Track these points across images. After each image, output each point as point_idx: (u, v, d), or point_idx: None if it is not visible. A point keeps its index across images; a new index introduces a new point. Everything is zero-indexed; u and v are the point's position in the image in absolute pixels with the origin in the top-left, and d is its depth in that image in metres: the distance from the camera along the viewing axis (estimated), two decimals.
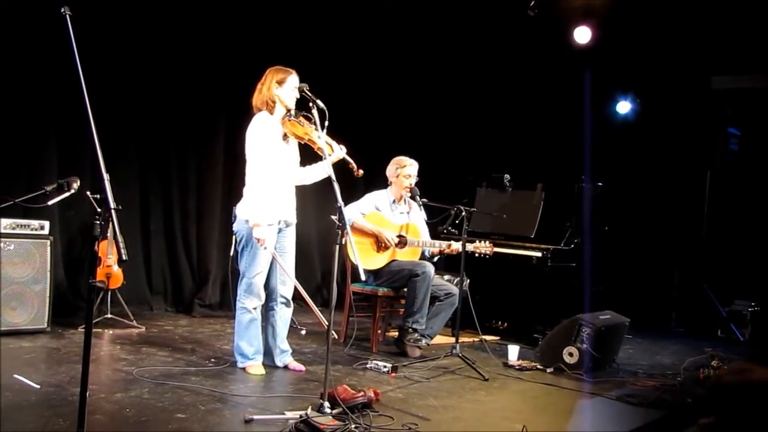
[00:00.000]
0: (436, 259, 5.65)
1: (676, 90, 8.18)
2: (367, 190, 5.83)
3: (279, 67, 4.38)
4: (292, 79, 4.34)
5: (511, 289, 6.55)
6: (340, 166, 4.38)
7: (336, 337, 4.12)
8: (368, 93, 7.81)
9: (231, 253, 4.52)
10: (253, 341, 4.38)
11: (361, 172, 4.49)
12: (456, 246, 5.47)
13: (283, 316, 4.55)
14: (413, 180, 5.59)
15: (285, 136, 4.39)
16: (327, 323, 3.65)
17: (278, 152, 4.35)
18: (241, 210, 4.34)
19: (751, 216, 7.97)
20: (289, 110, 4.36)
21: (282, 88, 4.32)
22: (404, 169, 5.60)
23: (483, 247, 5.46)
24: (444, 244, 5.50)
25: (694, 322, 8.07)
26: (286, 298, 4.52)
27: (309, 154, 4.51)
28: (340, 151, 4.40)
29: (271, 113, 4.34)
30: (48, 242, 5.06)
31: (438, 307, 5.42)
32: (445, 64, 8.26)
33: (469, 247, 5.25)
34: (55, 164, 5.68)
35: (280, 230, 4.43)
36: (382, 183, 5.78)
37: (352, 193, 6.05)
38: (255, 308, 4.37)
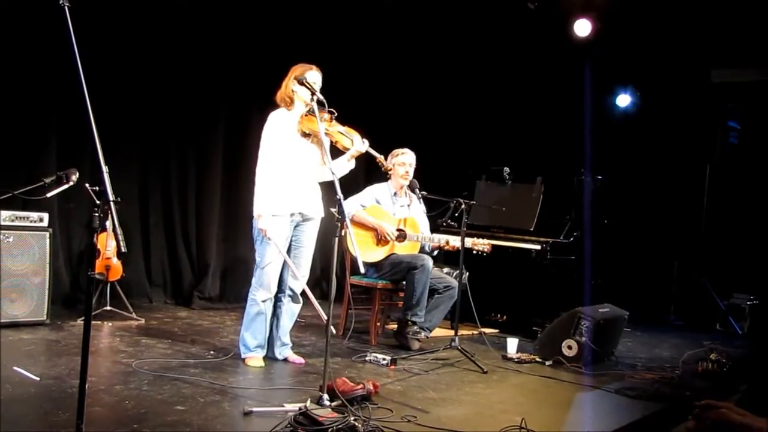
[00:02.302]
0: (435, 253, 5.65)
1: (676, 83, 8.18)
2: (367, 183, 5.82)
3: (301, 64, 4.42)
4: (311, 75, 4.35)
5: (510, 282, 6.54)
6: (366, 159, 4.39)
7: (334, 332, 4.11)
8: (368, 86, 7.79)
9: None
10: (257, 335, 4.40)
11: (390, 167, 4.52)
12: (455, 243, 5.47)
13: (290, 309, 4.56)
14: (409, 168, 5.57)
15: (304, 132, 4.40)
16: (326, 318, 3.65)
17: (292, 147, 4.36)
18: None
19: (750, 210, 7.97)
20: (308, 105, 4.36)
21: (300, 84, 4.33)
22: (397, 158, 5.60)
23: (480, 244, 5.45)
24: (443, 239, 5.49)
25: (692, 316, 8.09)
26: (293, 292, 4.53)
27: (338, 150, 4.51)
28: (360, 145, 4.41)
29: (288, 109, 4.39)
30: (47, 234, 5.05)
31: (437, 300, 5.42)
32: (445, 57, 8.24)
33: (467, 243, 5.24)
34: (55, 156, 5.67)
35: (297, 224, 4.46)
36: (382, 176, 5.77)
37: (354, 186, 6.05)
38: (264, 301, 4.38)
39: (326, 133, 4.34)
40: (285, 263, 4.41)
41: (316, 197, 4.55)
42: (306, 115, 4.38)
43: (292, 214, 4.41)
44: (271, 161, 4.31)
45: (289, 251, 4.44)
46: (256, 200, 4.30)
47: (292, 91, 4.36)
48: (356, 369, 4.49)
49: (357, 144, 4.40)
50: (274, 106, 4.45)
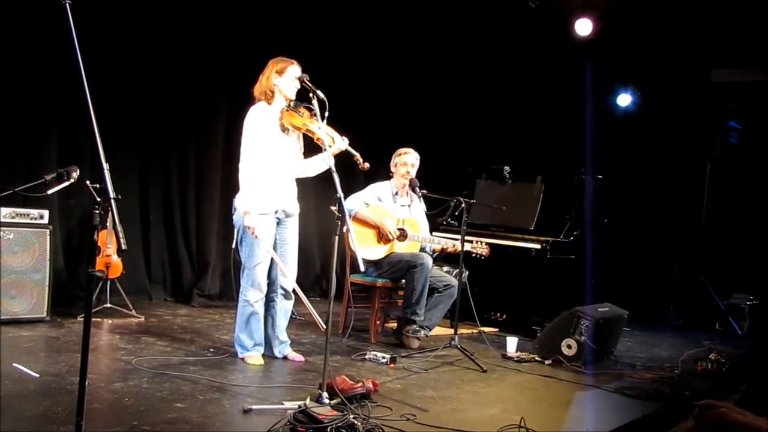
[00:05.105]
0: (435, 255, 5.64)
1: (677, 83, 8.18)
2: (367, 182, 5.82)
3: (280, 58, 4.36)
4: (292, 69, 4.31)
5: (510, 281, 6.54)
6: (344, 158, 4.36)
7: (324, 327, 4.09)
8: (369, 85, 7.79)
9: (233, 245, 4.52)
10: (254, 334, 4.38)
11: (366, 165, 4.45)
12: (452, 248, 5.48)
13: (283, 307, 4.54)
14: (410, 169, 5.57)
15: (284, 127, 4.37)
16: (319, 318, 3.65)
17: (274, 143, 4.32)
18: (237, 201, 4.34)
19: (750, 210, 7.98)
20: (288, 100, 4.34)
21: (281, 78, 4.30)
22: (401, 158, 5.62)
23: (479, 248, 5.46)
24: (449, 243, 5.49)
25: (692, 315, 8.10)
26: (285, 290, 4.51)
27: (315, 146, 4.44)
28: (341, 143, 4.35)
29: (269, 103, 4.33)
30: (47, 231, 5.05)
31: (437, 299, 5.42)
32: (446, 55, 8.24)
33: (466, 247, 5.24)
34: (55, 153, 5.67)
35: (279, 221, 4.43)
36: (382, 175, 5.78)
37: (352, 185, 6.05)
38: (257, 302, 4.35)
39: (307, 130, 4.31)
40: (273, 262, 4.37)
41: (295, 193, 4.53)
42: (287, 110, 4.32)
43: (276, 212, 4.38)
44: (256, 157, 4.26)
45: (274, 249, 4.39)
46: (242, 197, 4.26)
47: (274, 84, 4.31)
48: (356, 367, 4.49)
49: (338, 141, 4.34)
50: (251, 99, 4.39)
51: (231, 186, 6.64)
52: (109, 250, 5.35)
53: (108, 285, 5.50)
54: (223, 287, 6.79)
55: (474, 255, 5.48)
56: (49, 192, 2.72)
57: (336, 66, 6.98)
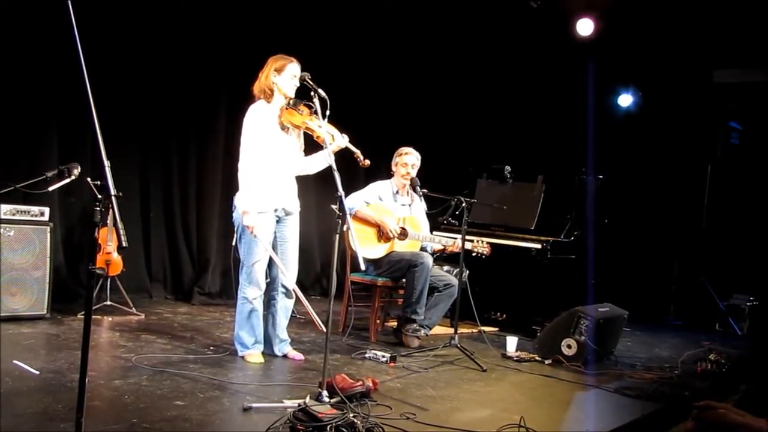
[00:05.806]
0: (435, 255, 5.63)
1: (678, 83, 8.18)
2: (367, 181, 5.82)
3: (280, 55, 4.35)
4: (292, 68, 4.30)
5: (510, 281, 6.54)
6: (344, 157, 4.36)
7: (323, 328, 4.08)
8: (369, 84, 7.79)
9: (233, 243, 4.52)
10: (253, 331, 4.38)
11: (367, 162, 4.44)
12: (453, 247, 5.48)
13: (284, 306, 4.54)
14: (411, 169, 5.57)
15: (283, 125, 4.37)
16: (323, 328, 3.65)
17: (274, 141, 4.32)
18: (237, 199, 4.35)
19: (751, 210, 7.97)
20: (288, 99, 4.34)
21: (280, 76, 4.29)
22: (401, 158, 5.61)
23: (480, 247, 5.46)
24: (450, 241, 5.49)
25: (692, 316, 8.09)
26: (286, 288, 4.50)
27: (315, 144, 4.45)
28: (341, 140, 4.34)
29: (269, 101, 4.32)
30: (48, 228, 5.05)
31: (437, 298, 5.42)
32: (447, 55, 8.24)
33: (467, 246, 5.24)
34: (56, 150, 5.67)
35: (279, 219, 4.43)
36: (382, 174, 5.78)
37: (353, 184, 6.05)
38: (255, 299, 4.35)
39: (307, 128, 4.31)
40: (273, 260, 4.36)
41: (295, 191, 4.53)
42: (286, 108, 4.32)
43: (275, 210, 4.38)
44: (255, 156, 4.25)
45: (274, 247, 4.39)
46: (242, 196, 4.26)
47: (273, 83, 4.30)
48: (356, 366, 4.49)
49: (338, 139, 4.34)
50: (251, 97, 4.39)
51: (232, 184, 6.61)
52: (110, 247, 5.35)
53: (108, 282, 5.50)
54: (224, 285, 6.78)
55: (475, 254, 5.48)
56: (50, 189, 2.72)
57: (336, 65, 6.98)
